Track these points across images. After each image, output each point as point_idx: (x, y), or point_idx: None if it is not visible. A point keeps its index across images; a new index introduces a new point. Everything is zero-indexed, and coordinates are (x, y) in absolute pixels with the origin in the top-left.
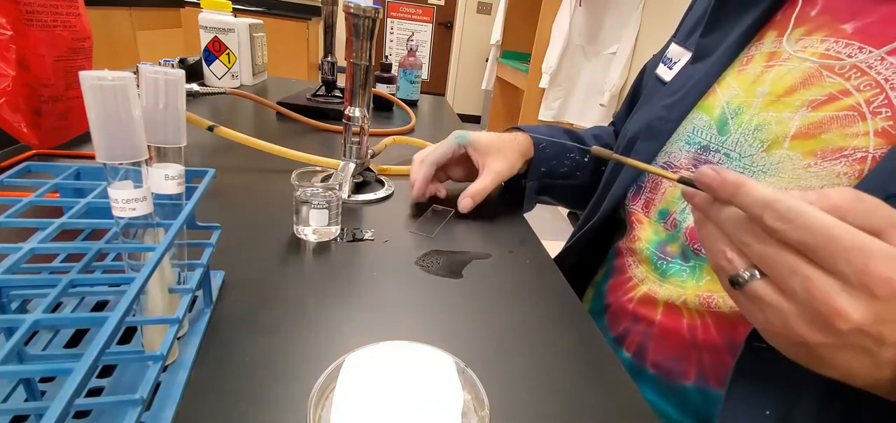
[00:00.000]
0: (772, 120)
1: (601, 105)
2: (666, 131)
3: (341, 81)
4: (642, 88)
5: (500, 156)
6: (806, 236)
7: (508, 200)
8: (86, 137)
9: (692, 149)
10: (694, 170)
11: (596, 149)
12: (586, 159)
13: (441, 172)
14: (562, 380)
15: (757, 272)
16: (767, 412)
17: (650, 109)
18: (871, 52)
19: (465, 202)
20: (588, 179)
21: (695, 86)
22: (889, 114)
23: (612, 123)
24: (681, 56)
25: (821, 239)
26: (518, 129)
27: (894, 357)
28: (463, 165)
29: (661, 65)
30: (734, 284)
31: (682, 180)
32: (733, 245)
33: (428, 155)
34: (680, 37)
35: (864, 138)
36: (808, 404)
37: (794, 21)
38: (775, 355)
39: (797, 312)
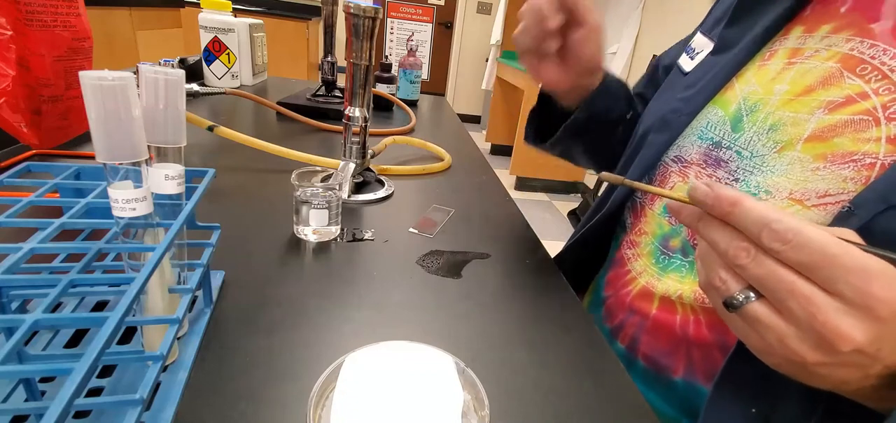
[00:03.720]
0: (788, 120)
1: None
2: (679, 125)
3: (341, 81)
4: (657, 77)
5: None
6: (805, 256)
7: (507, 200)
8: (86, 137)
9: (704, 144)
10: (705, 166)
11: (605, 175)
12: (629, 117)
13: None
14: (561, 380)
15: (752, 294)
16: (754, 410)
17: (667, 100)
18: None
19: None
20: (624, 138)
21: (712, 79)
22: None
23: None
24: (703, 47)
25: (821, 259)
26: None
27: (882, 371)
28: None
29: (683, 54)
30: (728, 305)
31: (689, 199)
32: (726, 266)
33: None
34: (705, 26)
35: (875, 144)
36: (792, 403)
37: (821, 17)
38: None
39: (796, 333)
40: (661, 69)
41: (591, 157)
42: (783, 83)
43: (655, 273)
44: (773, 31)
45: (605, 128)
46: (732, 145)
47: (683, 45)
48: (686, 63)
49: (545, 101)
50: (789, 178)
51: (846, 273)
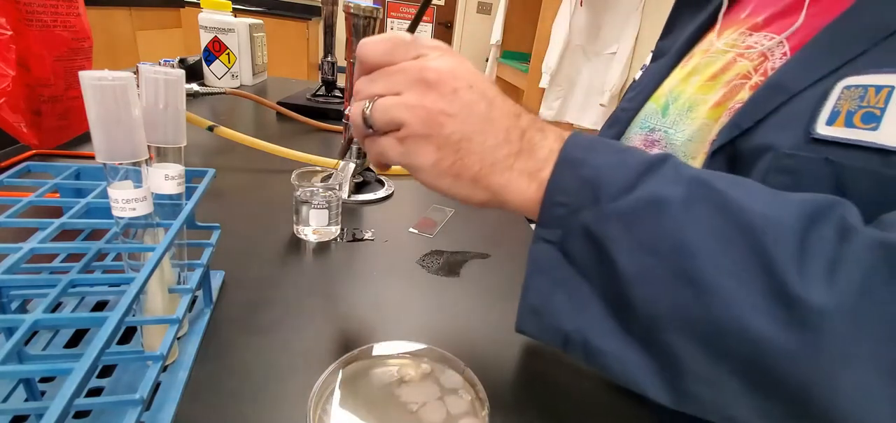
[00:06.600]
0: (700, 100)
1: (601, 105)
2: (625, 120)
3: (341, 81)
4: None
5: None
6: (384, 44)
7: None
8: (86, 137)
9: (642, 132)
10: (644, 147)
11: None
12: None
13: None
14: (562, 380)
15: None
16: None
17: (620, 104)
18: (772, 37)
19: None
20: None
21: (649, 82)
22: (762, 75)
23: None
24: (649, 58)
25: (399, 41)
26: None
27: (522, 125)
28: None
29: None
30: (367, 123)
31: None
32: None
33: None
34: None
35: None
36: None
37: (727, 25)
38: None
39: (411, 106)
40: None
41: None
42: (697, 75)
43: None
44: (693, 40)
45: None
46: (662, 127)
47: None
48: (639, 73)
49: None
50: (701, 139)
51: (415, 41)
